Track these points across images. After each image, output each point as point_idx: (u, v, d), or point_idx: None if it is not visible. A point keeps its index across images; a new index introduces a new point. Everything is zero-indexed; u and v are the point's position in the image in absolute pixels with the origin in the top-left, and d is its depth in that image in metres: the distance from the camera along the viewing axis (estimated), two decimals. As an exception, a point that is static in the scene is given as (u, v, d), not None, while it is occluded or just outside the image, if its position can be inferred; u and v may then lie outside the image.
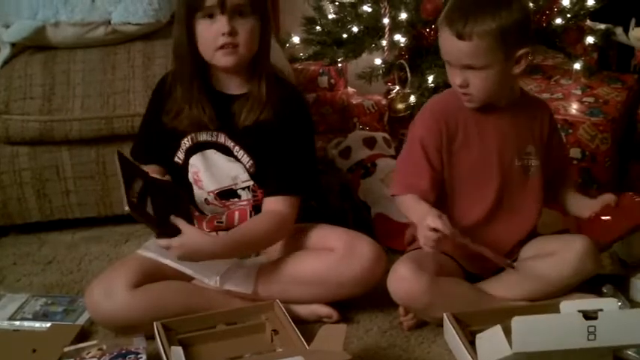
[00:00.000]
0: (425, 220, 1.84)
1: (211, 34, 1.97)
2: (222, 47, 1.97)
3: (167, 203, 1.94)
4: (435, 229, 1.82)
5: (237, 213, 2.09)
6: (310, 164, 2.11)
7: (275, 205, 2.03)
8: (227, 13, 1.95)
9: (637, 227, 2.01)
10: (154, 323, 1.86)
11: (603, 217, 2.01)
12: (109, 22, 2.56)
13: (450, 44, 1.89)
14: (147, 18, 2.55)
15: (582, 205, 2.07)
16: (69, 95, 2.46)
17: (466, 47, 1.86)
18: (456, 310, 1.88)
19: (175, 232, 1.88)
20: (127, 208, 1.81)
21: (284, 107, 2.04)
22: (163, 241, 1.88)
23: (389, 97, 2.81)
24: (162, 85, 2.12)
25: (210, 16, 1.96)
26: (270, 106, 2.02)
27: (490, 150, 1.99)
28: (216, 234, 2.09)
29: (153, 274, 1.98)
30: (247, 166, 2.06)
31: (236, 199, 2.08)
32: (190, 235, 1.89)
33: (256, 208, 2.08)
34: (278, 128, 2.03)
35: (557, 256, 1.97)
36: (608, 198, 2.03)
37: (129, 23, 2.55)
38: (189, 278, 2.01)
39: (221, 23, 1.95)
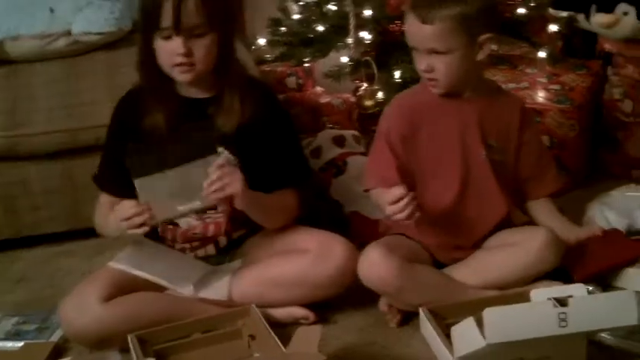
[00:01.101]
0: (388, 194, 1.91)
1: (167, 52, 1.96)
2: (179, 64, 1.96)
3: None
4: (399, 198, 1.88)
5: (212, 225, 2.08)
6: (299, 153, 2.15)
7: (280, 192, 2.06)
8: (182, 35, 1.93)
9: (621, 264, 2.02)
10: (128, 336, 1.85)
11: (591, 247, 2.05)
12: (70, 33, 2.54)
13: (415, 29, 1.95)
14: (108, 27, 2.54)
15: (566, 229, 2.08)
16: (32, 109, 2.45)
17: (430, 31, 1.92)
18: (426, 295, 1.94)
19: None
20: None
21: (261, 107, 2.04)
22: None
23: (357, 94, 2.81)
24: (128, 100, 2.09)
25: (167, 36, 1.94)
26: (246, 109, 2.01)
27: (454, 141, 2.03)
28: (189, 245, 2.08)
29: (125, 287, 1.96)
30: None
31: (212, 211, 2.06)
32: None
33: (233, 220, 2.07)
34: (260, 128, 2.03)
35: (519, 246, 2.00)
36: (597, 229, 2.08)
37: (90, 33, 2.54)
38: (162, 289, 2.00)
39: (177, 44, 1.93)
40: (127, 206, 1.91)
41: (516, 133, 2.08)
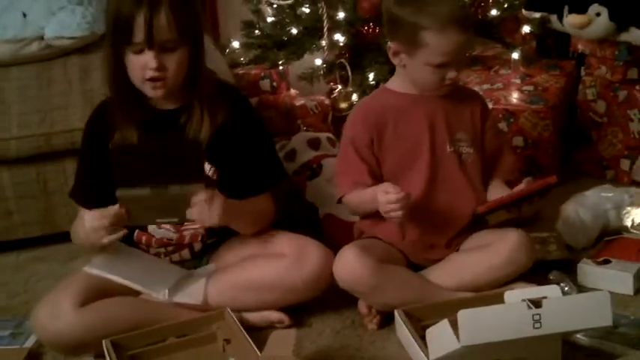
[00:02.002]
0: (379, 190, 1.93)
1: (139, 66, 1.94)
2: (150, 79, 1.94)
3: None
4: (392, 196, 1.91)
5: (188, 235, 2.07)
6: (273, 155, 2.15)
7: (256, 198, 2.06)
8: (155, 49, 1.91)
9: (516, 198, 1.98)
10: (103, 341, 1.84)
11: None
12: (43, 38, 2.52)
13: (459, 40, 1.95)
14: (81, 31, 2.52)
15: (495, 193, 2.09)
16: (5, 114, 2.43)
17: (466, 37, 1.98)
18: (400, 295, 1.95)
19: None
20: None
21: (233, 114, 2.03)
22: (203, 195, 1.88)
23: (331, 96, 2.81)
24: (100, 112, 2.07)
25: (139, 50, 1.93)
26: (218, 117, 2.01)
27: (421, 138, 2.05)
28: (164, 249, 2.08)
29: (100, 292, 1.95)
30: (210, 174, 2.03)
31: (189, 223, 2.05)
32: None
33: (209, 232, 2.06)
34: (234, 135, 2.03)
35: (491, 247, 2.02)
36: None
37: (63, 37, 2.52)
38: (137, 293, 1.99)
39: (148, 58, 1.92)
40: (107, 212, 1.90)
41: (480, 125, 2.11)
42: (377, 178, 2.04)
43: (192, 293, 2.00)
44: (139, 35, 1.90)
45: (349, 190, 2.06)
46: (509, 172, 2.18)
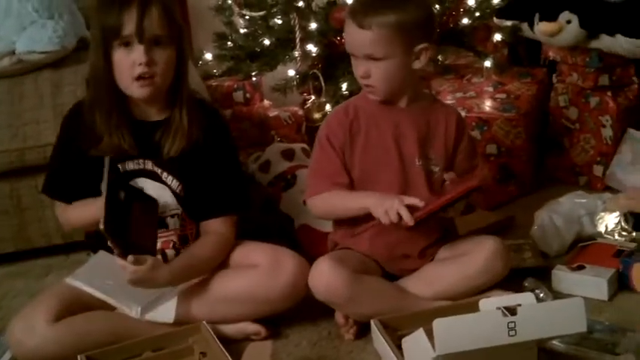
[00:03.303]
0: (396, 200, 1.90)
1: (128, 63, 1.92)
2: (138, 78, 1.93)
3: (146, 221, 1.94)
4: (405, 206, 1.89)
5: (160, 242, 2.05)
6: (241, 181, 2.13)
7: (216, 226, 2.04)
8: (145, 43, 1.91)
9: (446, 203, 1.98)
10: (78, 356, 1.83)
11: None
12: (14, 52, 2.51)
13: (353, 34, 1.99)
14: (52, 46, 2.52)
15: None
16: (-24, 130, 2.41)
17: (367, 36, 1.95)
18: (377, 306, 1.95)
19: (139, 251, 1.88)
20: (101, 226, 1.86)
21: (207, 130, 2.03)
22: (122, 262, 1.87)
23: (305, 107, 2.81)
24: (77, 113, 2.05)
25: (127, 44, 1.92)
26: (193, 131, 2.00)
27: (391, 148, 2.05)
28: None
29: (75, 306, 1.95)
30: (177, 190, 2.03)
31: (162, 229, 2.04)
32: (151, 263, 1.89)
33: (182, 239, 2.05)
34: (204, 152, 2.02)
35: (467, 256, 2.02)
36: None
37: (34, 52, 2.52)
38: (113, 307, 1.98)
39: (138, 53, 1.91)
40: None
41: (452, 144, 2.09)
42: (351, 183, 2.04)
43: (164, 311, 1.99)
44: (130, 27, 1.89)
45: (328, 189, 2.02)
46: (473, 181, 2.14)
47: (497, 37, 2.83)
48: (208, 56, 3.01)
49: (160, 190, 2.03)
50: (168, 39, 1.94)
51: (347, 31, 2.02)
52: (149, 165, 2.03)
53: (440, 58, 2.76)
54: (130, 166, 2.02)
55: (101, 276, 1.97)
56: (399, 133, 2.05)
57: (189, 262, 2.00)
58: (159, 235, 2.00)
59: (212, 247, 2.03)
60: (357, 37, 1.97)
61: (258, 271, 2.00)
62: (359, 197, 2.00)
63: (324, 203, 2.05)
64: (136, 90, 1.95)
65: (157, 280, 1.91)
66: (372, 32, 1.94)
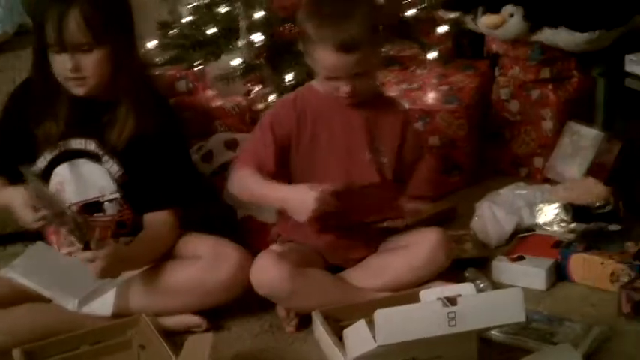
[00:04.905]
0: (310, 191, 1.91)
1: (60, 66, 1.95)
2: (70, 79, 1.95)
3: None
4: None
5: (97, 230, 2.01)
6: (189, 173, 2.12)
7: (160, 217, 2.03)
8: (68, 51, 1.92)
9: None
10: (13, 350, 1.79)
11: None
12: (-47, 37, 2.46)
13: (340, 60, 1.95)
14: (-8, 30, 2.47)
15: None
16: None
17: (356, 58, 1.95)
18: (320, 299, 1.95)
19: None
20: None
21: (155, 120, 2.01)
22: (89, 253, 1.85)
23: (249, 97, 2.79)
24: (24, 90, 2.05)
25: (55, 51, 1.93)
26: (141, 122, 1.99)
27: (339, 141, 2.05)
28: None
29: (10, 298, 1.92)
30: (116, 176, 2.01)
31: (100, 214, 2.02)
32: (114, 245, 1.89)
33: (120, 225, 2.03)
34: (152, 143, 2.01)
35: (411, 247, 2.04)
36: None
37: (-27, 36, 2.46)
38: (50, 300, 1.94)
39: (64, 60, 1.93)
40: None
41: (397, 141, 2.10)
42: (282, 168, 2.03)
43: (102, 305, 1.97)
44: (52, 37, 1.90)
45: (251, 166, 2.00)
46: (419, 190, 2.14)
47: (442, 29, 2.84)
48: (151, 44, 2.96)
49: (98, 172, 2.02)
50: (93, 43, 1.93)
51: (330, 58, 1.97)
52: (92, 146, 2.02)
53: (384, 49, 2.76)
54: (73, 145, 2.02)
55: (38, 268, 1.95)
56: (349, 127, 2.05)
57: (140, 250, 1.99)
58: (96, 220, 1.99)
59: (157, 239, 2.02)
60: (346, 61, 1.96)
61: (200, 263, 1.99)
62: (276, 188, 1.98)
63: (241, 181, 2.04)
64: (71, 88, 1.98)
65: (124, 263, 1.90)
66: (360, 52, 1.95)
